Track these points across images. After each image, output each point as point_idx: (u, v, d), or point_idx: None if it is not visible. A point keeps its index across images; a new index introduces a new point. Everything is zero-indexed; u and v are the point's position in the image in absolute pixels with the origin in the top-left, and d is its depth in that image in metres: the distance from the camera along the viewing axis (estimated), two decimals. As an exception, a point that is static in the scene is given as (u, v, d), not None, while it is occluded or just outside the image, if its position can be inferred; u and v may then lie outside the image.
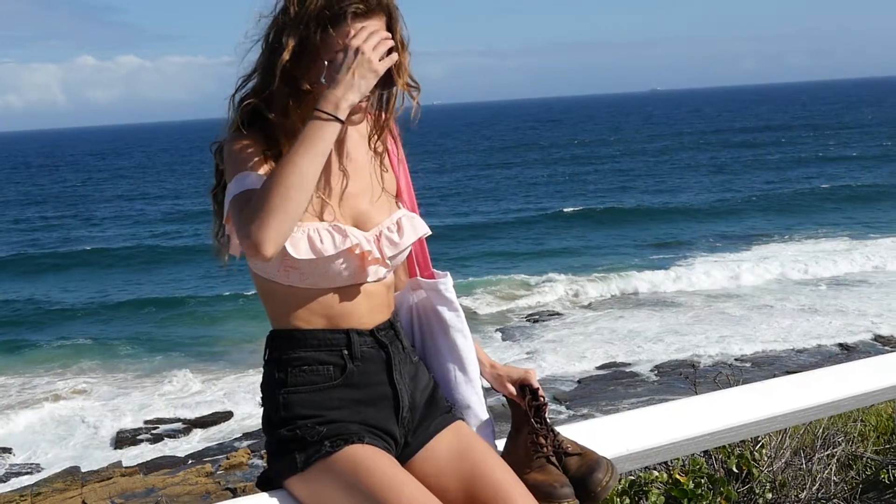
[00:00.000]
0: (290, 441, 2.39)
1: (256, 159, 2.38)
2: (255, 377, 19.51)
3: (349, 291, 2.47)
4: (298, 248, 2.34)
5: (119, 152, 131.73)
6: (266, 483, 2.46)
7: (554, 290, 27.71)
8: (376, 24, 2.37)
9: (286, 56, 2.36)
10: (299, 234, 2.35)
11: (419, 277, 2.76)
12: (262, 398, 2.50)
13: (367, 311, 2.50)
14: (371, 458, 2.34)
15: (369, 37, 2.32)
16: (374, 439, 2.41)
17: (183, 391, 19.98)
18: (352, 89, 2.28)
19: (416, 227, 2.59)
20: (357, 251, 2.42)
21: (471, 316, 24.17)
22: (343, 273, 2.43)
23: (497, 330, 23.93)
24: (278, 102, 2.42)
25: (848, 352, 19.78)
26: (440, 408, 2.61)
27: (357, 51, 2.29)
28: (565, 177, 62.49)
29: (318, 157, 2.25)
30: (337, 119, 2.27)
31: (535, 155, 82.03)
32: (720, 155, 71.13)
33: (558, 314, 25.48)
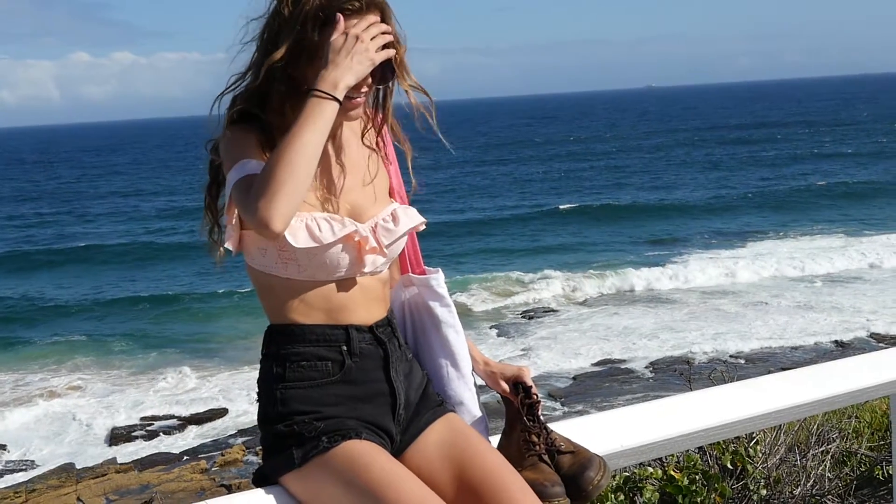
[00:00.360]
0: (287, 436, 2.39)
1: (255, 149, 2.39)
2: (250, 374, 19.51)
3: (347, 284, 2.48)
4: (297, 237, 2.35)
5: (113, 149, 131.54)
6: (262, 479, 2.46)
7: (549, 286, 27.72)
8: (371, 21, 2.39)
9: (277, 56, 2.37)
10: (298, 223, 2.36)
11: (411, 274, 2.77)
12: (259, 393, 2.50)
13: (364, 306, 2.51)
14: (369, 454, 2.33)
15: (369, 27, 2.35)
16: (371, 435, 2.41)
17: (178, 388, 19.97)
18: (349, 71, 2.31)
19: (411, 217, 2.61)
20: (356, 238, 2.43)
21: (466, 313, 24.30)
22: (341, 263, 2.43)
23: (492, 327, 23.94)
24: (275, 103, 2.43)
25: (843, 349, 19.81)
26: (432, 402, 2.61)
27: (356, 38, 2.32)
28: (561, 173, 62.50)
29: (319, 133, 2.26)
30: (335, 98, 2.29)
31: (530, 151, 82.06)
32: (716, 152, 71.19)
33: (553, 311, 25.49)
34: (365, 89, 2.44)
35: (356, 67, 2.31)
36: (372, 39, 2.34)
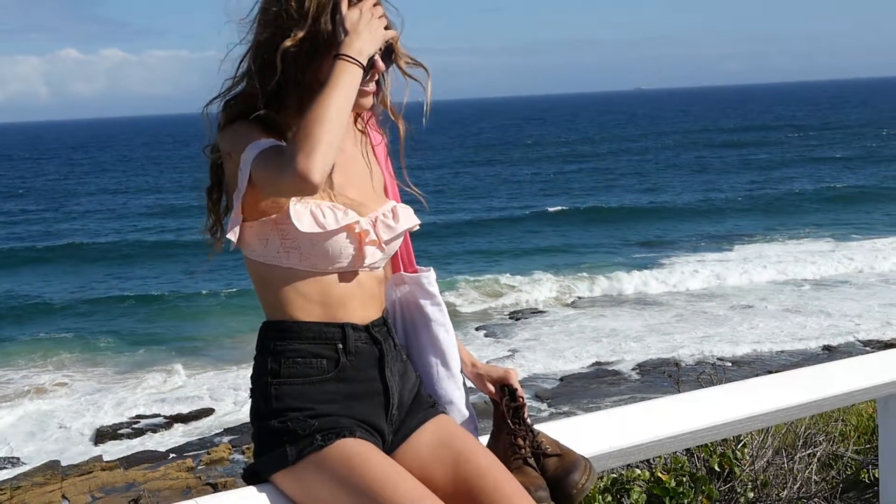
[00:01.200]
0: (280, 433, 2.39)
1: (265, 135, 2.41)
2: (237, 373, 19.47)
3: (345, 278, 2.49)
4: (302, 221, 2.37)
5: (101, 146, 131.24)
6: (253, 476, 2.44)
7: (537, 288, 27.72)
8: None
9: (289, 42, 2.39)
10: (302, 209, 2.39)
11: (403, 272, 2.77)
12: (252, 389, 2.49)
13: (361, 304, 2.52)
14: (364, 453, 2.34)
15: (375, 5, 2.43)
16: (365, 434, 2.42)
17: (164, 386, 19.92)
18: (369, 42, 2.37)
19: (409, 216, 2.64)
20: (357, 229, 2.45)
21: (453, 314, 24.25)
22: (343, 252, 2.44)
23: (480, 328, 23.94)
24: (292, 100, 2.45)
25: (830, 353, 19.85)
26: (424, 403, 2.62)
27: (370, 13, 2.40)
28: (550, 175, 62.57)
29: (347, 97, 2.31)
30: (360, 65, 2.34)
31: (519, 153, 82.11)
32: (705, 155, 71.32)
33: (541, 312, 25.50)
34: (378, 77, 2.50)
35: (374, 40, 2.38)
36: (379, 18, 2.41)
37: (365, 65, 2.34)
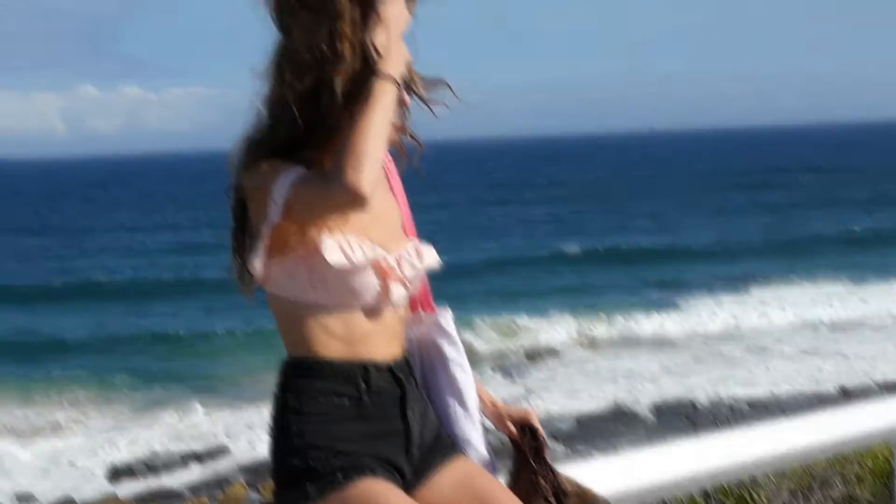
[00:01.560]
0: (301, 471, 2.39)
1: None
2: (254, 411, 19.41)
3: (370, 314, 2.49)
4: (332, 255, 2.39)
5: (119, 182, 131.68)
6: (273, 514, 2.45)
7: (553, 328, 27.65)
8: None
9: (341, 80, 2.39)
10: (332, 243, 2.40)
11: (421, 312, 2.78)
12: (272, 426, 2.50)
13: (384, 342, 2.52)
14: (384, 493, 2.35)
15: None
16: (385, 473, 2.42)
17: (180, 424, 19.91)
18: (399, 61, 2.42)
19: (431, 255, 2.64)
20: (384, 265, 2.46)
21: (469, 353, 24.13)
22: (370, 288, 2.45)
23: (495, 368, 23.88)
24: (335, 137, 2.42)
25: (847, 395, 19.75)
26: (444, 444, 2.62)
27: (397, 38, 2.44)
28: (565, 215, 62.56)
29: (388, 113, 2.35)
30: (396, 83, 2.38)
31: (533, 193, 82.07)
32: (721, 196, 71.18)
33: (557, 353, 25.44)
34: (402, 111, 2.52)
35: (402, 60, 2.43)
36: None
37: (399, 83, 2.39)
